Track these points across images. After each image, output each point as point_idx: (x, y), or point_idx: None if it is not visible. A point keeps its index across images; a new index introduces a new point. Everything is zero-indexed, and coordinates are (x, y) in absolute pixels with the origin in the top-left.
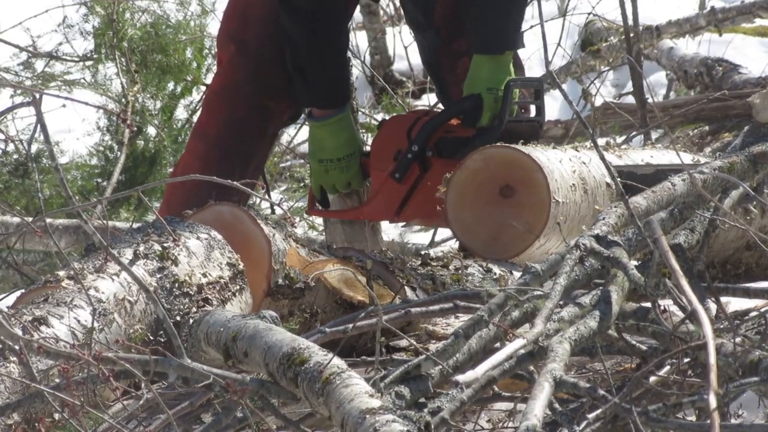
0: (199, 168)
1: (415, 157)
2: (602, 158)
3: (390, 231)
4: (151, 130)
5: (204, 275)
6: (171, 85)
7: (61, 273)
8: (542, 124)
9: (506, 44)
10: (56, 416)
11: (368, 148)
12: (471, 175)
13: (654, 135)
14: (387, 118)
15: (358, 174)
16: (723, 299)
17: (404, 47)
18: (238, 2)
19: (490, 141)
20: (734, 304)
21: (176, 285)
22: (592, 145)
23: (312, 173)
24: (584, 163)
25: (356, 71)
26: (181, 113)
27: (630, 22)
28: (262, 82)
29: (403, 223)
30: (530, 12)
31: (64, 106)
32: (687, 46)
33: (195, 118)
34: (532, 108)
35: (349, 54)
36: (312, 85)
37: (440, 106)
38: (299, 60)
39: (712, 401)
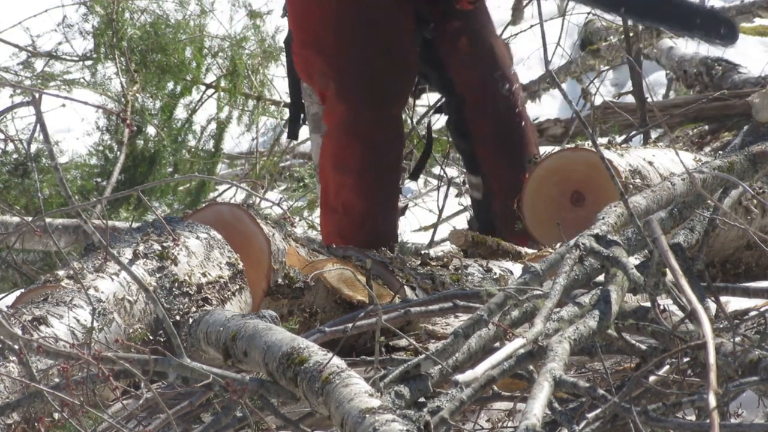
0: (362, 204)
1: None
2: (602, 158)
3: None
4: (151, 130)
5: (203, 275)
6: (170, 85)
7: (61, 272)
8: None
9: None
10: (56, 416)
11: None
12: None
13: (653, 134)
14: None
15: None
16: (722, 299)
17: None
18: (300, 16)
19: None
20: (734, 303)
21: (176, 284)
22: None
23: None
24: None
25: None
26: (180, 113)
27: (629, 21)
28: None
29: None
30: (529, 12)
31: (63, 105)
32: (686, 46)
33: (195, 118)
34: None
35: None
36: None
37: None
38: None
39: (712, 401)
